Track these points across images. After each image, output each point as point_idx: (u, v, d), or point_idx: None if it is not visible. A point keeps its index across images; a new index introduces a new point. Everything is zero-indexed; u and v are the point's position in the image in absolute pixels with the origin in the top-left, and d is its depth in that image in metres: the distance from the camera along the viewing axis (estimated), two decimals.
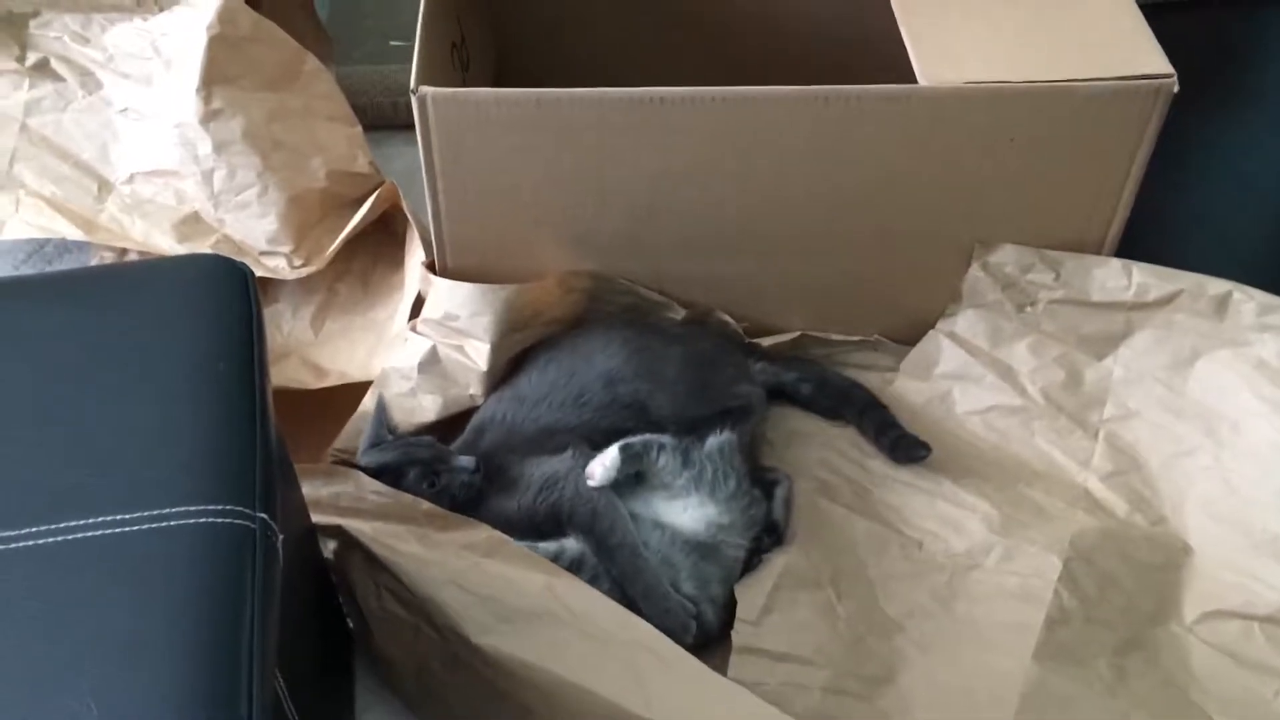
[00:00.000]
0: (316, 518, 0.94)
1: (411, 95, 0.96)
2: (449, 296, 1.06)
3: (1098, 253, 1.07)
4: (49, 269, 1.36)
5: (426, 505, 0.96)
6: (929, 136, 0.98)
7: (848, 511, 1.04)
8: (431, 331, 1.09)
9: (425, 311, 1.09)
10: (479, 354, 1.07)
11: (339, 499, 0.96)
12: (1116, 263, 1.05)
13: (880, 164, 1.00)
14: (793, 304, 1.14)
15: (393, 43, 1.38)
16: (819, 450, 1.10)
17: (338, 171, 1.19)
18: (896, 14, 1.02)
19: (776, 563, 0.98)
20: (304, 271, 1.16)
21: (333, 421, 1.09)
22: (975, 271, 1.08)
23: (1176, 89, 0.94)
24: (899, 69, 0.98)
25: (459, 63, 1.14)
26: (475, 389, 1.09)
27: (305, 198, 1.17)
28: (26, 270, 1.38)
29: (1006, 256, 1.07)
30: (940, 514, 1.03)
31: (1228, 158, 1.23)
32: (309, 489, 0.95)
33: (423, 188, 1.04)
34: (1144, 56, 0.96)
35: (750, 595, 0.96)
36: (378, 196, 1.19)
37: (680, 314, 1.14)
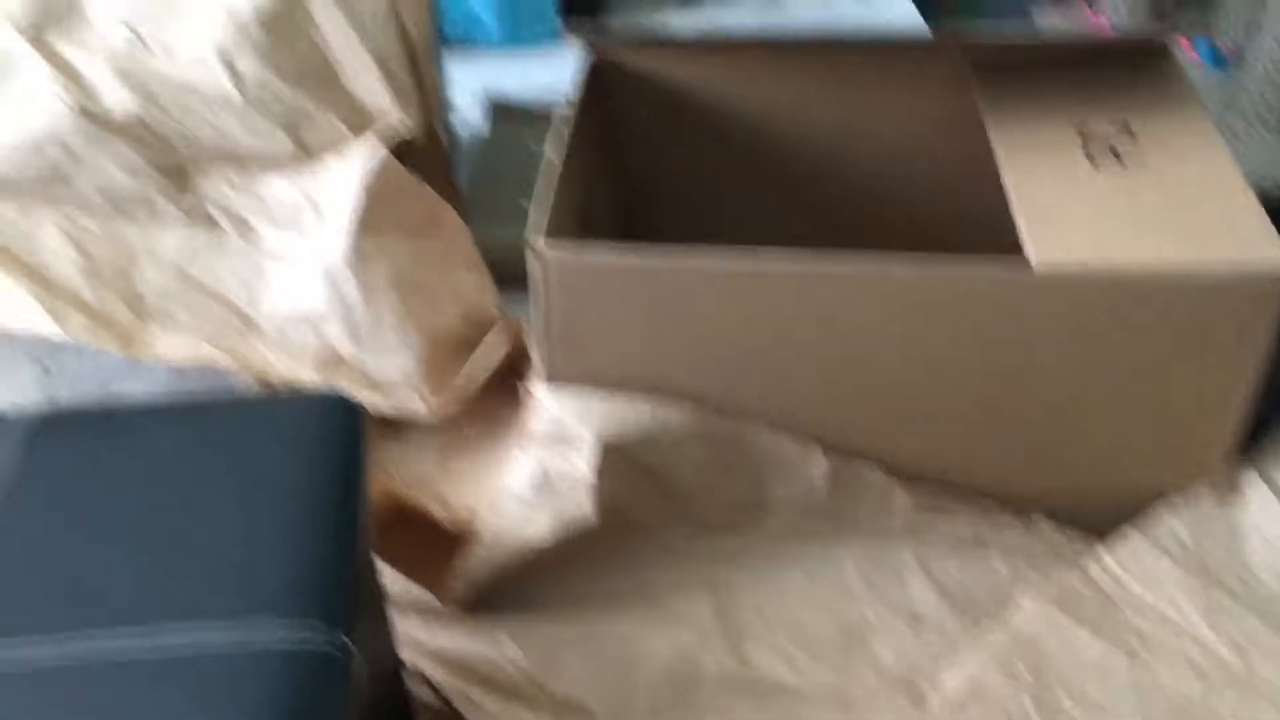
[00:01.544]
0: (447, 676, 0.94)
1: (529, 250, 1.01)
2: (556, 405, 1.08)
3: (1210, 446, 1.03)
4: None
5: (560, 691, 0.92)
6: (1036, 317, 0.99)
7: None
8: (539, 448, 1.10)
9: (531, 427, 1.10)
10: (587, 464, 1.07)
11: (472, 661, 0.95)
12: None
13: (988, 347, 1.01)
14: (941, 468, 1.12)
15: (525, 204, 1.45)
16: None
17: (472, 317, 1.25)
18: (1007, 190, 1.04)
19: None
20: (437, 410, 1.21)
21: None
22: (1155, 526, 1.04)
23: None
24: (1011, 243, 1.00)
25: (582, 220, 1.19)
26: (586, 504, 1.08)
27: (441, 341, 1.23)
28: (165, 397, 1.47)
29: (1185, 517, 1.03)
30: None
31: None
32: (447, 638, 0.97)
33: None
34: (1266, 246, 0.96)
35: None
36: (507, 339, 1.25)
37: (822, 465, 1.11)
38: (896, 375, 1.05)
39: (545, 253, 1.01)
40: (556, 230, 1.04)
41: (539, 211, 1.03)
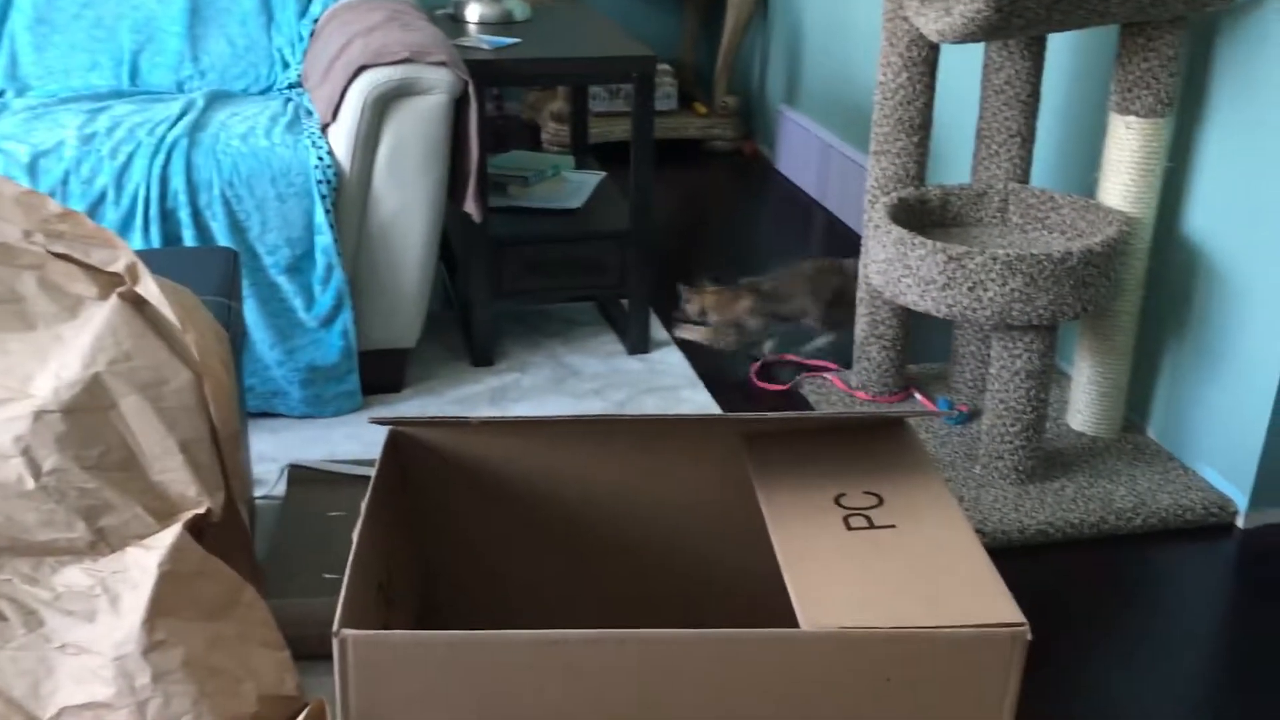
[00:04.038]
0: None
1: (334, 637, 1.03)
2: None
3: None
4: None
5: None
6: (812, 676, 1.07)
7: None
8: None
9: None
10: None
11: None
12: None
13: (771, 702, 1.08)
14: None
15: (325, 576, 1.48)
16: None
17: (268, 696, 1.25)
18: (781, 563, 1.14)
19: None
20: None
21: None
22: None
23: (1030, 637, 1.04)
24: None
25: (384, 601, 1.23)
26: None
27: None
28: None
29: None
30: None
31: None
32: None
33: None
34: (1000, 606, 1.08)
35: None
36: (307, 715, 1.24)
37: None
38: None
39: (343, 636, 1.04)
40: (357, 611, 1.07)
41: (340, 595, 1.06)
